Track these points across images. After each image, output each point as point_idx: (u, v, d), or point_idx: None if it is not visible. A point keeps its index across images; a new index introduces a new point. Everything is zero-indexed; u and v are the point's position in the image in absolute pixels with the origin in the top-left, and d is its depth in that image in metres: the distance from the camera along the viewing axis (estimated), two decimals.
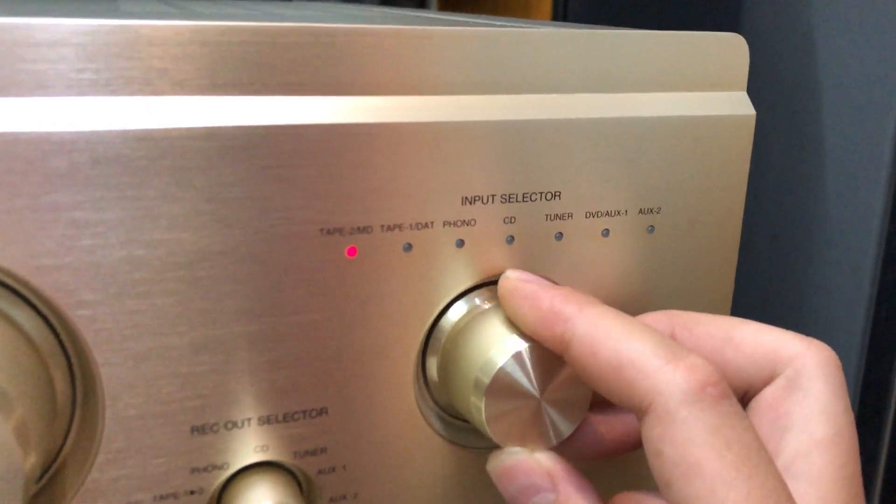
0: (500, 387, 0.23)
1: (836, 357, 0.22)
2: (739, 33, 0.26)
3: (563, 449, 0.24)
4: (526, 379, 0.23)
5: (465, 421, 0.26)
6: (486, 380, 0.23)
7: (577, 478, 0.22)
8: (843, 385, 0.22)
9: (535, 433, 0.24)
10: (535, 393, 0.23)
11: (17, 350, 0.20)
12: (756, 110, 0.26)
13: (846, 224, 0.56)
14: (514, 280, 0.24)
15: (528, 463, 0.23)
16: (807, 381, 0.22)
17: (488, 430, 0.23)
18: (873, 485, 0.58)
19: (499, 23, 0.34)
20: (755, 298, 0.65)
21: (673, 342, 0.21)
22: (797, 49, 0.55)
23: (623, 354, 0.21)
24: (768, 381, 0.23)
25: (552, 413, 0.23)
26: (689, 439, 0.19)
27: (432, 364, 0.25)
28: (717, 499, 0.18)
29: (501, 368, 0.23)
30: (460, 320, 0.25)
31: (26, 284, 0.20)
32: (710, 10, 0.67)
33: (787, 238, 0.62)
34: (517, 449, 0.23)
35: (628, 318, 0.22)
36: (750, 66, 0.26)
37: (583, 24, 0.34)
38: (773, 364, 0.22)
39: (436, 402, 0.26)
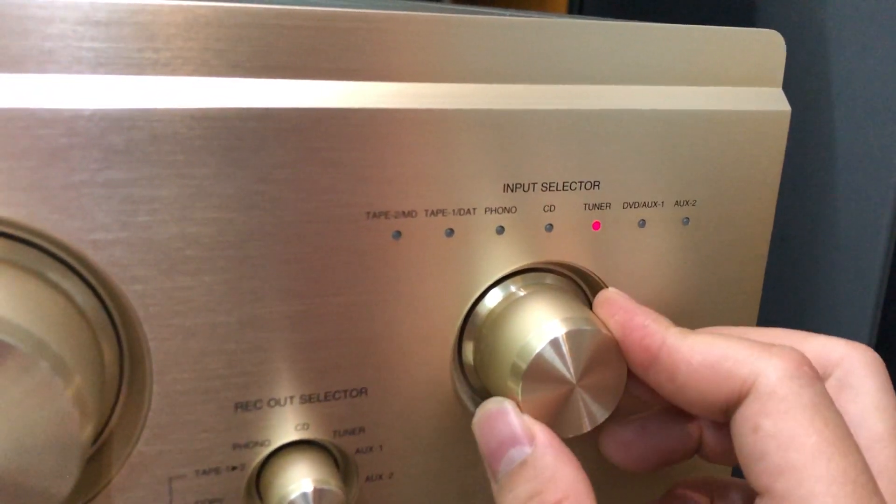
0: (537, 372, 0.23)
1: (879, 357, 0.23)
2: None
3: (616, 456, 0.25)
4: (562, 365, 0.23)
5: None
6: (524, 365, 0.23)
7: (557, 441, 0.22)
8: (889, 382, 0.23)
9: (569, 418, 0.24)
10: (572, 379, 0.24)
11: (72, 322, 0.21)
12: None
13: (855, 227, 0.56)
14: (613, 292, 0.25)
15: (512, 414, 0.23)
16: (857, 379, 0.23)
17: None
18: None
19: (527, 15, 0.34)
20: (764, 299, 0.66)
21: (757, 341, 0.22)
22: (808, 51, 0.55)
23: (719, 352, 0.22)
24: None
25: (587, 399, 0.24)
26: (788, 412, 0.20)
27: (469, 348, 0.26)
28: (815, 469, 0.19)
29: (539, 354, 0.23)
30: (497, 306, 0.25)
31: (81, 258, 0.21)
32: (722, 8, 0.67)
33: (796, 240, 0.62)
34: (504, 399, 0.23)
35: (711, 329, 0.24)
36: None
37: (604, 18, 0.34)
38: (824, 367, 0.23)
39: (471, 387, 0.26)
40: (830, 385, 0.23)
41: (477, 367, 0.26)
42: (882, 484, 0.21)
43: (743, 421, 0.21)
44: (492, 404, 0.23)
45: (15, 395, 0.18)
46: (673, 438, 0.25)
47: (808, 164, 0.58)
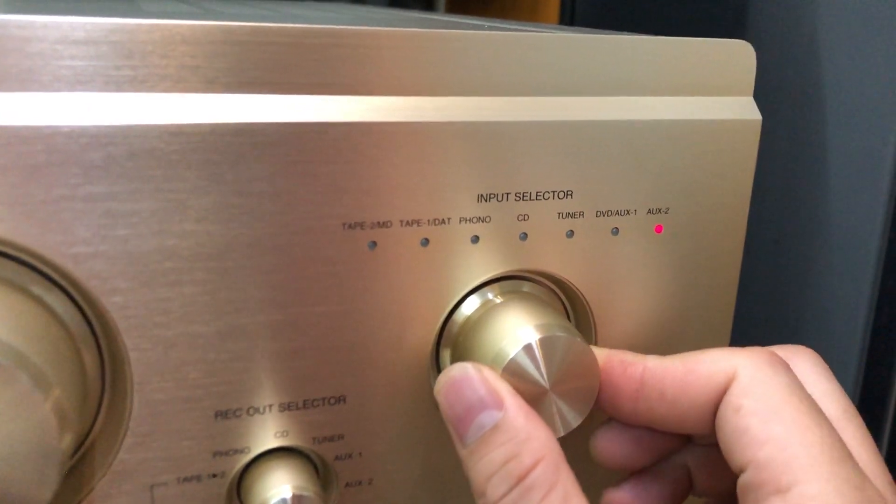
0: (511, 377, 0.24)
1: (817, 354, 0.25)
2: (744, 39, 0.27)
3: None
4: (535, 370, 0.24)
5: None
6: (498, 370, 0.24)
7: (524, 402, 0.23)
8: (830, 372, 0.25)
9: None
10: (545, 384, 0.24)
11: (52, 334, 0.21)
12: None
13: (848, 230, 0.57)
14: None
15: (477, 377, 0.22)
16: (804, 375, 0.24)
17: None
18: None
19: (507, 25, 0.35)
20: (757, 303, 0.66)
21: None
22: (801, 55, 0.55)
23: (697, 359, 0.24)
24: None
25: (560, 404, 0.24)
26: (768, 391, 0.22)
27: (446, 356, 0.26)
28: (794, 437, 0.21)
29: (512, 359, 0.24)
30: (474, 313, 0.26)
31: (61, 271, 0.21)
32: (715, 15, 0.68)
33: (789, 243, 0.63)
34: (467, 363, 0.23)
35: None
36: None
37: (591, 29, 0.35)
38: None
39: None
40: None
41: None
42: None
43: (725, 406, 0.23)
44: (455, 371, 0.23)
45: None
46: (670, 484, 0.27)
47: (800, 166, 0.58)
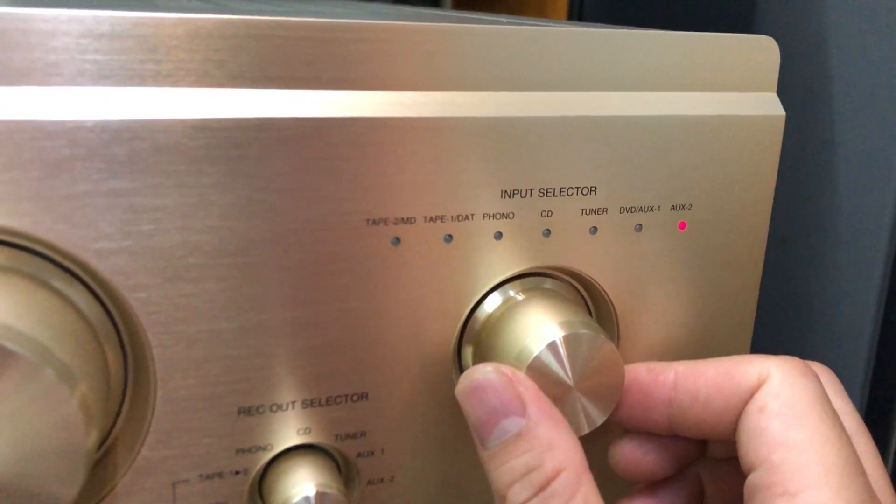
0: (535, 375, 0.24)
1: (832, 371, 0.26)
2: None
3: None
4: (560, 368, 0.24)
5: None
6: (522, 368, 0.24)
7: (548, 404, 0.22)
8: (843, 390, 0.25)
9: (568, 421, 0.24)
10: (569, 381, 0.24)
11: (76, 330, 0.21)
12: None
13: (856, 228, 0.57)
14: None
15: (501, 381, 0.22)
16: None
17: None
18: None
19: (523, 21, 0.35)
20: (765, 301, 0.66)
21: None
22: (809, 53, 0.55)
23: (728, 363, 0.24)
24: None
25: (585, 402, 0.24)
26: (795, 398, 0.22)
27: (468, 353, 0.26)
28: (811, 445, 0.21)
29: (537, 357, 0.24)
30: (496, 310, 0.26)
31: (85, 267, 0.21)
32: (723, 12, 0.68)
33: (797, 241, 0.62)
34: (489, 366, 0.22)
35: None
36: None
37: (603, 24, 0.34)
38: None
39: None
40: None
41: None
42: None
43: (752, 404, 0.23)
44: (478, 373, 0.22)
45: (21, 401, 0.18)
46: (682, 494, 0.27)
47: (808, 165, 0.58)
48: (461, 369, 0.26)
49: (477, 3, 1.02)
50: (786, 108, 0.27)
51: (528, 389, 0.22)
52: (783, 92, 0.27)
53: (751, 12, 0.62)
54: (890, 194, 0.55)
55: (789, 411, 0.22)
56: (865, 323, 0.57)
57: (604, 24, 0.36)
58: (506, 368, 0.22)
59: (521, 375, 0.23)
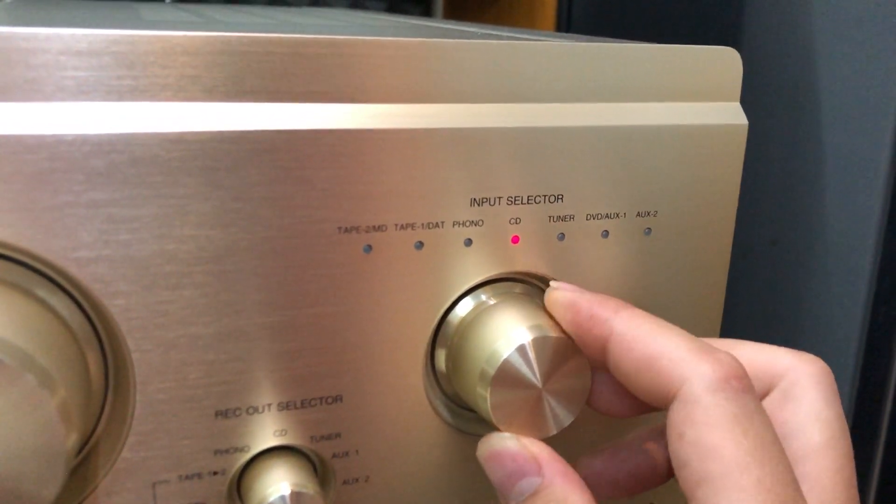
0: (505, 377, 0.24)
1: (827, 368, 0.24)
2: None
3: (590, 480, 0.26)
4: (529, 370, 0.24)
5: (472, 410, 0.27)
6: (492, 371, 0.24)
7: (562, 464, 0.24)
8: (835, 394, 0.24)
9: (537, 422, 0.25)
10: (538, 383, 0.25)
11: (57, 336, 0.22)
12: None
13: (844, 230, 0.58)
14: (555, 291, 0.25)
15: (515, 447, 0.24)
16: (800, 391, 0.23)
17: (493, 419, 0.25)
18: (869, 486, 0.60)
19: (503, 32, 0.36)
20: (755, 302, 0.66)
21: (702, 340, 0.23)
22: (796, 58, 0.56)
23: (656, 348, 0.22)
24: (765, 394, 0.24)
25: (553, 403, 0.25)
26: (710, 423, 0.21)
27: (441, 356, 0.27)
28: (730, 480, 0.20)
29: (506, 360, 0.24)
30: (468, 315, 0.26)
31: (66, 275, 0.22)
32: (711, 19, 0.69)
33: (787, 244, 0.63)
34: (506, 434, 0.24)
35: (659, 319, 0.24)
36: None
37: (585, 36, 0.35)
38: (770, 378, 0.24)
39: (444, 393, 0.27)
40: (774, 396, 0.24)
41: (449, 374, 0.27)
42: (814, 494, 0.22)
43: (671, 427, 0.22)
44: (494, 440, 0.24)
45: (2, 406, 0.19)
46: (645, 464, 0.26)
47: (797, 169, 0.59)
48: (434, 372, 0.27)
49: (468, 11, 1.03)
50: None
51: (543, 451, 0.24)
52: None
53: (738, 21, 0.63)
54: (877, 197, 0.56)
55: (704, 441, 0.21)
56: (854, 323, 0.58)
57: (586, 35, 0.37)
58: (520, 437, 0.24)
59: (536, 442, 0.24)
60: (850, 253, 0.59)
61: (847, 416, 0.57)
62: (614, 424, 0.29)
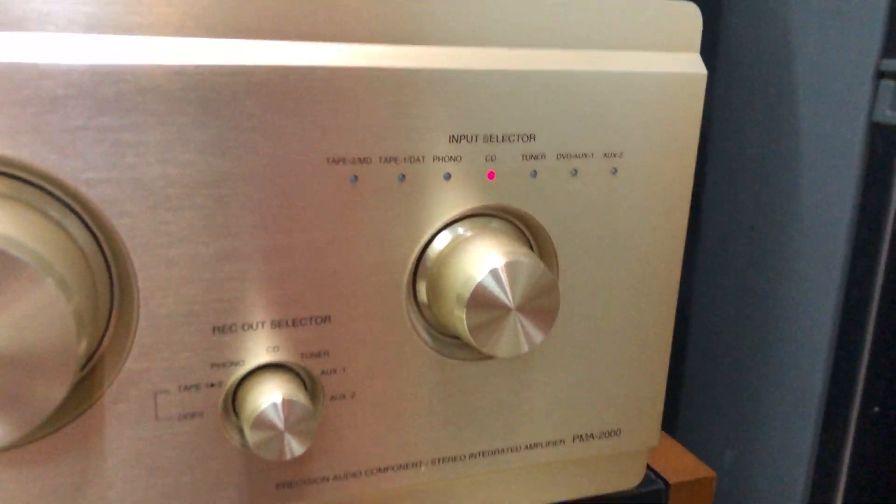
0: (479, 299, 0.26)
1: None
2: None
3: None
4: (501, 292, 0.27)
5: (453, 338, 0.30)
6: (467, 294, 0.26)
7: None
8: None
9: (510, 340, 0.27)
10: (510, 304, 0.27)
11: (71, 253, 0.24)
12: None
13: (819, 217, 0.60)
14: None
15: None
16: None
17: (471, 339, 0.27)
18: (841, 462, 0.62)
19: None
20: (733, 285, 0.69)
21: None
22: (774, 48, 0.58)
23: None
24: None
25: (525, 322, 0.27)
26: None
27: (422, 288, 0.29)
28: None
29: (480, 283, 0.26)
30: (445, 248, 0.28)
31: (77, 195, 0.24)
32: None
33: (764, 229, 0.65)
34: None
35: None
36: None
37: None
38: None
39: (427, 322, 0.29)
40: None
41: (430, 303, 0.29)
42: None
43: None
44: None
45: (23, 305, 0.21)
46: None
47: (775, 156, 0.61)
48: (417, 304, 0.29)
49: None
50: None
51: None
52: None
53: (717, 7, 0.65)
54: (851, 185, 0.58)
55: None
56: (827, 304, 0.60)
57: None
58: None
59: None
60: (824, 239, 0.61)
61: (820, 395, 0.59)
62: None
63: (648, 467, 0.38)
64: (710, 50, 0.55)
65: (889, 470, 0.61)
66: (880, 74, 0.53)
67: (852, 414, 0.61)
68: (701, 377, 0.72)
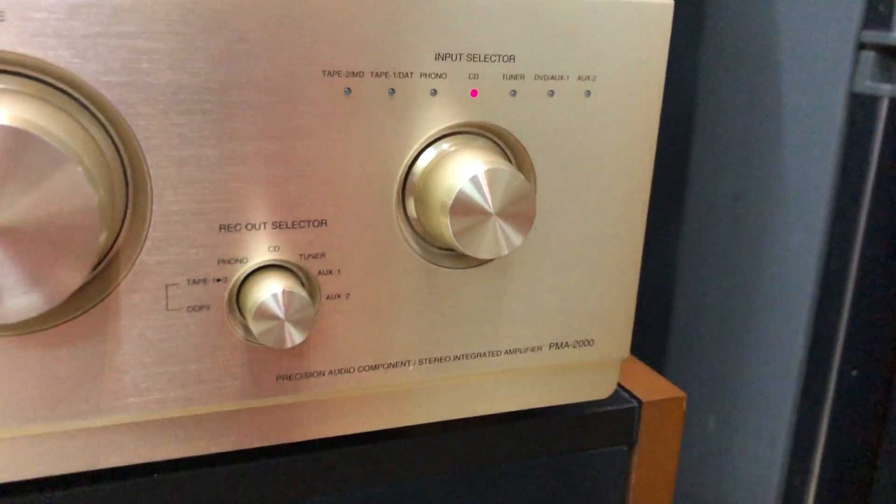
0: (461, 206, 0.29)
1: None
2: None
3: None
4: (481, 197, 0.29)
5: (440, 248, 0.32)
6: (449, 201, 0.29)
7: None
8: None
9: (491, 243, 0.30)
10: (490, 209, 0.29)
11: (94, 152, 0.26)
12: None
13: (800, 185, 0.62)
14: None
15: None
16: None
17: (456, 244, 0.29)
18: (819, 431, 0.64)
19: None
20: (717, 253, 0.71)
21: None
22: (758, 21, 0.61)
23: None
24: None
25: (504, 226, 0.30)
26: None
27: (410, 204, 0.32)
28: None
29: (461, 189, 0.29)
30: (430, 163, 0.31)
31: (96, 97, 0.26)
32: None
33: (747, 198, 0.68)
34: None
35: None
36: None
37: None
38: None
39: (416, 233, 0.32)
40: None
41: (419, 215, 0.31)
42: None
43: None
44: None
45: (55, 188, 0.23)
46: None
47: (757, 128, 0.64)
48: (407, 218, 0.32)
49: None
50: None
51: None
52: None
53: None
54: (831, 154, 0.61)
55: None
56: (808, 269, 0.63)
57: None
58: None
59: None
60: (805, 207, 0.63)
61: (799, 362, 0.62)
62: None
63: (623, 388, 0.41)
64: (695, 23, 0.58)
65: (866, 431, 0.64)
66: (861, 45, 0.56)
67: (831, 377, 0.64)
68: (685, 345, 0.74)
